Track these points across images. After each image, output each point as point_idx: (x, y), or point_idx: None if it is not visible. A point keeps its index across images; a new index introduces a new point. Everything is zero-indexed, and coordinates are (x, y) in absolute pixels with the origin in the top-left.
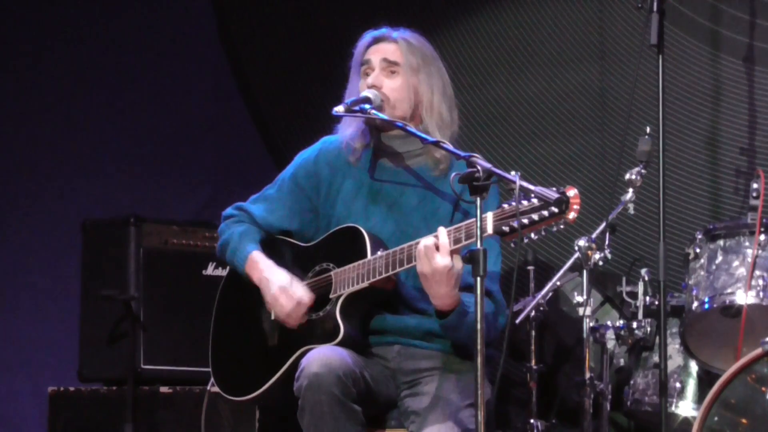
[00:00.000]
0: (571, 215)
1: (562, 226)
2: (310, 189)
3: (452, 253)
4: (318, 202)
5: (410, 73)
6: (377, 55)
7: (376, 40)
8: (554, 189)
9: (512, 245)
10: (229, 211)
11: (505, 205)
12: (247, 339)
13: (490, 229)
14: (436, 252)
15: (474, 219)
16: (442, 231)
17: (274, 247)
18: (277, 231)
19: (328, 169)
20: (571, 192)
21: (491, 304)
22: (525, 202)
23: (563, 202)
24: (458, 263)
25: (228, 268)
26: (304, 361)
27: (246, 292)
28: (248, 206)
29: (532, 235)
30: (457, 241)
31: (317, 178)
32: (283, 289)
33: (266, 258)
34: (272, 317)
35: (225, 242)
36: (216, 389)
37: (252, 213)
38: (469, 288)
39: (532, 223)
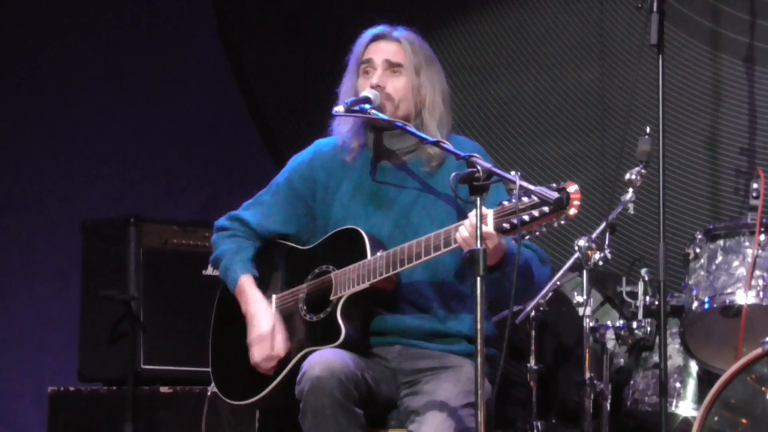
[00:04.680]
0: (572, 211)
1: (563, 222)
2: (305, 192)
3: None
4: (314, 206)
5: (413, 73)
6: (379, 54)
7: (377, 38)
8: (554, 185)
9: (513, 242)
10: (221, 222)
11: (506, 203)
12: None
13: (490, 226)
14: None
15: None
16: (488, 212)
17: (273, 251)
18: (274, 236)
19: (323, 171)
20: (572, 188)
21: (532, 253)
22: (525, 199)
23: (563, 202)
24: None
25: None
26: (305, 365)
27: None
28: (242, 214)
29: (535, 232)
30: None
31: (313, 181)
32: (261, 338)
33: (254, 288)
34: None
35: (217, 258)
36: (216, 390)
37: (246, 221)
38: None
39: (533, 219)
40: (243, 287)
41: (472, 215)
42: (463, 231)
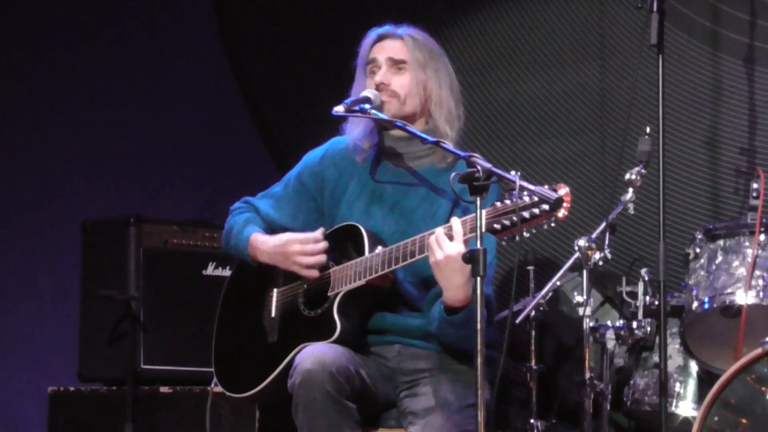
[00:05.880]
0: (561, 213)
1: (553, 224)
2: (314, 189)
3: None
4: (322, 203)
5: (418, 69)
6: (383, 53)
7: (381, 38)
8: (546, 187)
9: (503, 242)
10: (236, 204)
11: (498, 204)
12: (249, 337)
13: (457, 243)
14: (448, 241)
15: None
16: (455, 220)
17: None
18: (280, 228)
19: (334, 169)
20: (562, 190)
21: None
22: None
23: (561, 203)
24: None
25: (231, 267)
26: (297, 358)
27: (249, 291)
28: (255, 201)
29: (525, 233)
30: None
31: (322, 178)
32: (287, 252)
33: (264, 234)
34: (273, 314)
35: (229, 230)
36: (218, 389)
37: (258, 207)
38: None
39: (524, 220)
40: (255, 240)
41: (443, 227)
42: (432, 237)
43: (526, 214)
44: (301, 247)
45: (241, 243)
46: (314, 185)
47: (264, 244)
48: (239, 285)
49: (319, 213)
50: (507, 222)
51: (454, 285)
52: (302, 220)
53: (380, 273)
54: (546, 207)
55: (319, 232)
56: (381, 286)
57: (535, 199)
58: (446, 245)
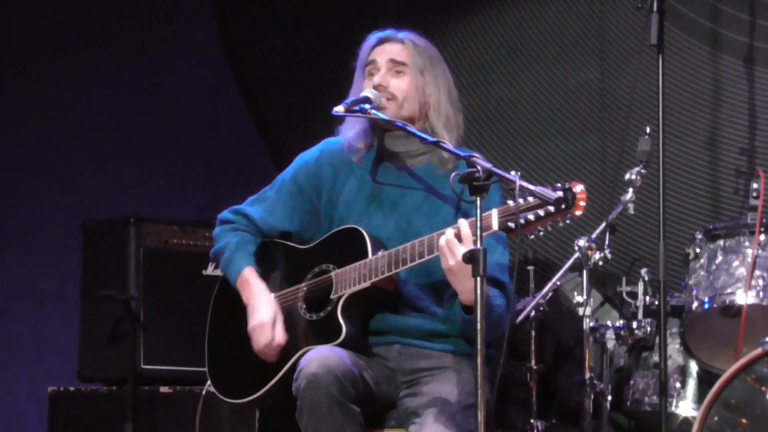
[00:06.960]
0: (578, 212)
1: (568, 221)
2: (310, 190)
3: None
4: (319, 203)
5: (417, 73)
6: (383, 55)
7: (382, 41)
8: (560, 185)
9: (518, 241)
10: (225, 215)
11: (510, 202)
12: (246, 342)
13: (495, 226)
14: (459, 244)
15: (482, 215)
16: (463, 222)
17: (272, 250)
18: (277, 232)
19: (330, 169)
20: (578, 188)
21: (503, 297)
22: (531, 199)
23: (567, 201)
24: None
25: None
26: (302, 362)
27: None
28: (246, 209)
29: (540, 231)
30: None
31: (318, 179)
32: (262, 324)
33: (258, 279)
34: None
35: (219, 251)
36: (212, 389)
37: (250, 216)
38: (491, 280)
39: (538, 218)
40: (247, 278)
41: (452, 227)
42: (442, 239)
43: (540, 212)
44: (261, 335)
45: (229, 273)
46: (310, 186)
47: (250, 295)
48: (231, 290)
49: (315, 214)
50: (521, 221)
51: (469, 288)
52: (299, 222)
53: (387, 275)
54: (562, 206)
55: (282, 340)
56: (385, 288)
57: (544, 200)
58: (458, 250)
